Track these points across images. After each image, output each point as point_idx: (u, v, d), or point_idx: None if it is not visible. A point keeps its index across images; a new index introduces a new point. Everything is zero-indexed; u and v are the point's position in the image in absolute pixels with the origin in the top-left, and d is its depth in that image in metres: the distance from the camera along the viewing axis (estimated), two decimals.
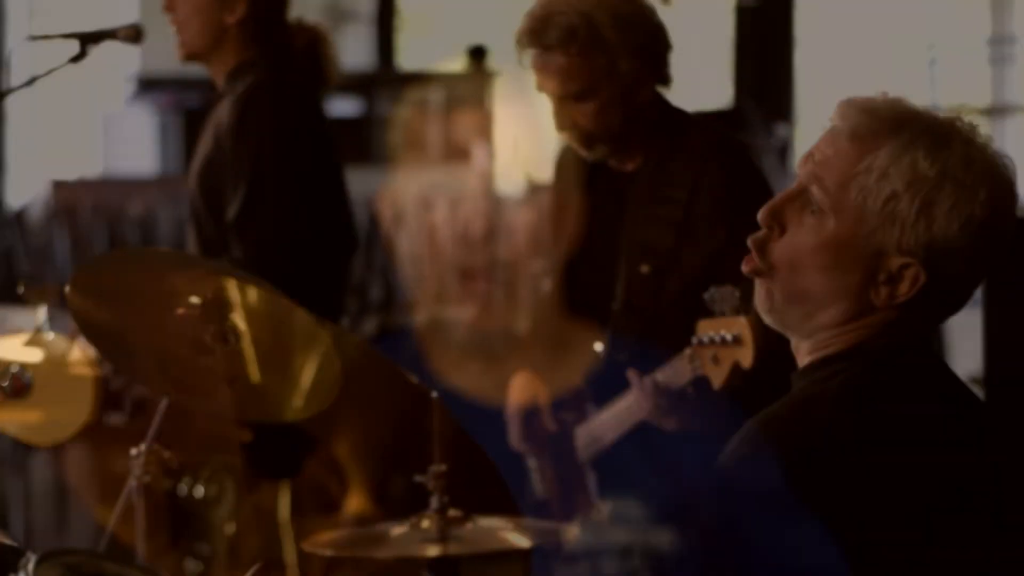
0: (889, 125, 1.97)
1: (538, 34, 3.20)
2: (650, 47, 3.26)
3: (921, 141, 1.95)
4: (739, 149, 3.35)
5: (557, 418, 3.46)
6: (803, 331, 2.03)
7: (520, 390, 3.53)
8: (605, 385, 3.28)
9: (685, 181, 3.22)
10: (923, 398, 1.97)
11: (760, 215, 2.03)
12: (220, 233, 3.64)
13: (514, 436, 3.51)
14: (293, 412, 2.44)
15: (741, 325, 2.81)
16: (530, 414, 3.51)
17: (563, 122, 3.25)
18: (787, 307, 2.02)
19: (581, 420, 3.40)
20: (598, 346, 3.31)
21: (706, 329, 2.85)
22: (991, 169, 1.96)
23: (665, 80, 3.30)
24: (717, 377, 2.88)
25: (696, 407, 2.97)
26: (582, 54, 3.18)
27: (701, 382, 2.93)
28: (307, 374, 2.45)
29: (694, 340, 2.89)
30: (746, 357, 2.81)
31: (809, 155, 2.03)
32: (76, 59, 3.72)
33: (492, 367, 3.81)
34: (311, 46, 3.87)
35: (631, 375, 3.04)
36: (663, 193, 3.24)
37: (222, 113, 3.72)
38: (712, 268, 3.01)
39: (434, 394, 2.55)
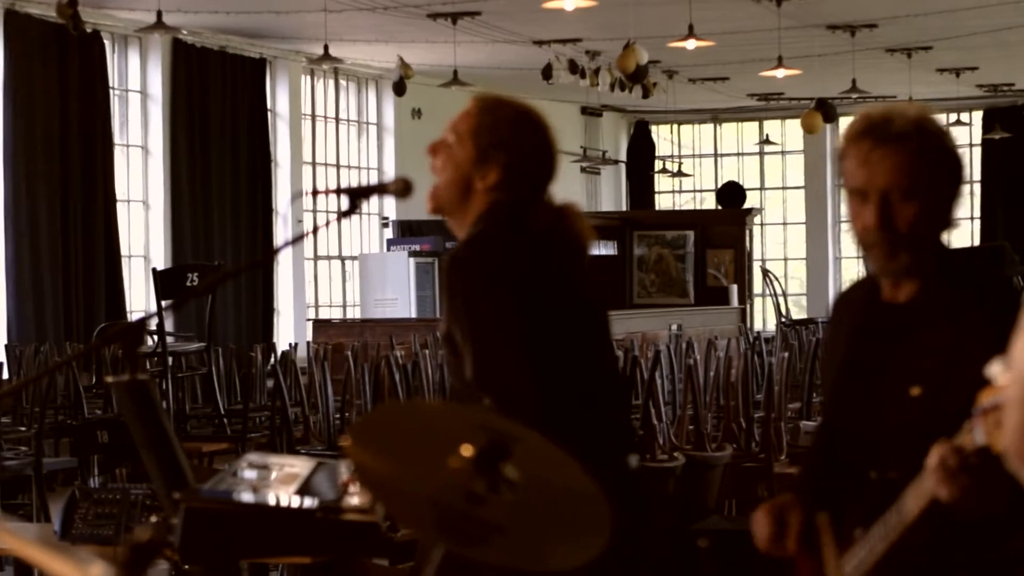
0: None
1: (878, 127, 3.28)
2: (959, 174, 3.36)
3: None
4: (1006, 282, 3.40)
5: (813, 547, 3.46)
6: None
7: (778, 503, 3.55)
8: (875, 507, 3.29)
9: (956, 310, 3.27)
10: None
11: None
12: (469, 388, 3.72)
13: (760, 536, 3.50)
14: (563, 562, 2.47)
15: None
16: (779, 523, 3.50)
17: (885, 220, 3.27)
18: None
19: (845, 552, 3.38)
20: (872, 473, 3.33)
21: (987, 396, 2.74)
22: None
23: (953, 220, 3.39)
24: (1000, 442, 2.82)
25: (984, 480, 2.90)
26: (918, 152, 3.27)
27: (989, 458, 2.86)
28: (578, 524, 2.48)
29: (975, 411, 2.82)
30: None
31: None
32: (346, 214, 3.86)
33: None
34: (558, 221, 3.92)
35: (937, 443, 3.00)
36: (935, 320, 3.28)
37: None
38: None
39: (702, 543, 2.55)
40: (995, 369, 2.58)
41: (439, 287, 4.00)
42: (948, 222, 3.38)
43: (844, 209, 3.43)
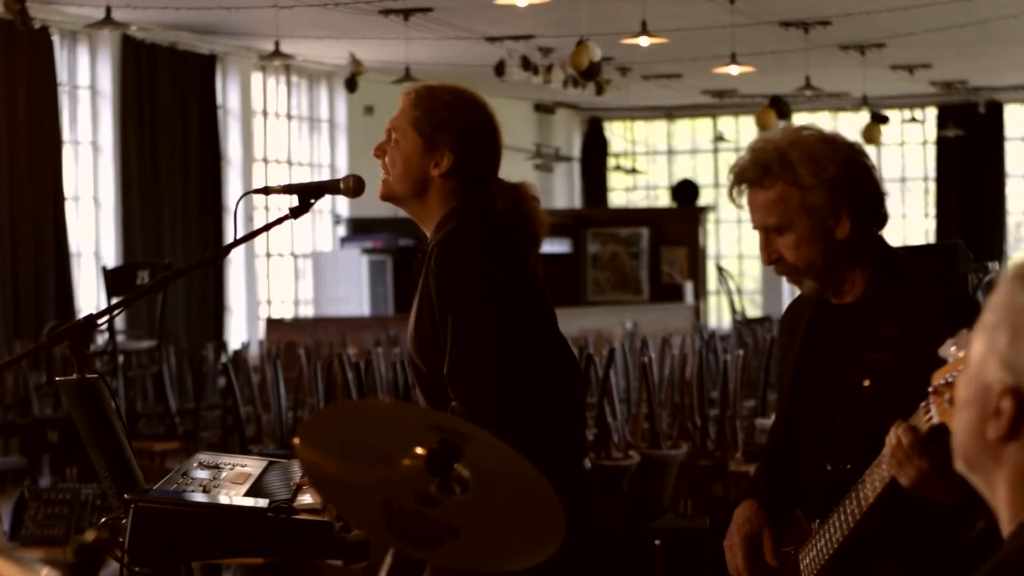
0: None
1: (744, 171, 3.47)
2: (845, 183, 3.41)
3: None
4: (952, 279, 3.51)
5: (780, 552, 3.50)
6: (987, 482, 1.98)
7: (745, 521, 3.60)
8: (830, 498, 3.36)
9: (902, 306, 3.36)
10: None
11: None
12: (440, 385, 3.70)
13: (734, 565, 3.56)
14: (517, 563, 2.43)
15: None
16: (754, 546, 3.57)
17: (769, 255, 3.47)
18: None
19: (802, 546, 3.42)
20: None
21: (940, 375, 2.76)
22: None
23: (875, 220, 3.46)
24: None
25: (941, 461, 2.89)
26: (777, 188, 3.41)
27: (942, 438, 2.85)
28: (531, 524, 2.45)
29: (929, 390, 2.83)
30: None
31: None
32: (297, 212, 3.82)
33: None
34: (515, 204, 3.90)
35: (895, 424, 3.03)
36: (882, 316, 3.37)
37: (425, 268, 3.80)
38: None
39: (657, 542, 2.53)
40: (949, 348, 2.60)
41: (430, 276, 3.96)
42: (869, 222, 3.45)
43: None
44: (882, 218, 3.48)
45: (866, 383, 3.34)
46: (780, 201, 3.41)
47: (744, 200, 3.50)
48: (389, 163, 3.91)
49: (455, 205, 3.86)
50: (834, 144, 3.45)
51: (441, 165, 3.86)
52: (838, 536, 3.29)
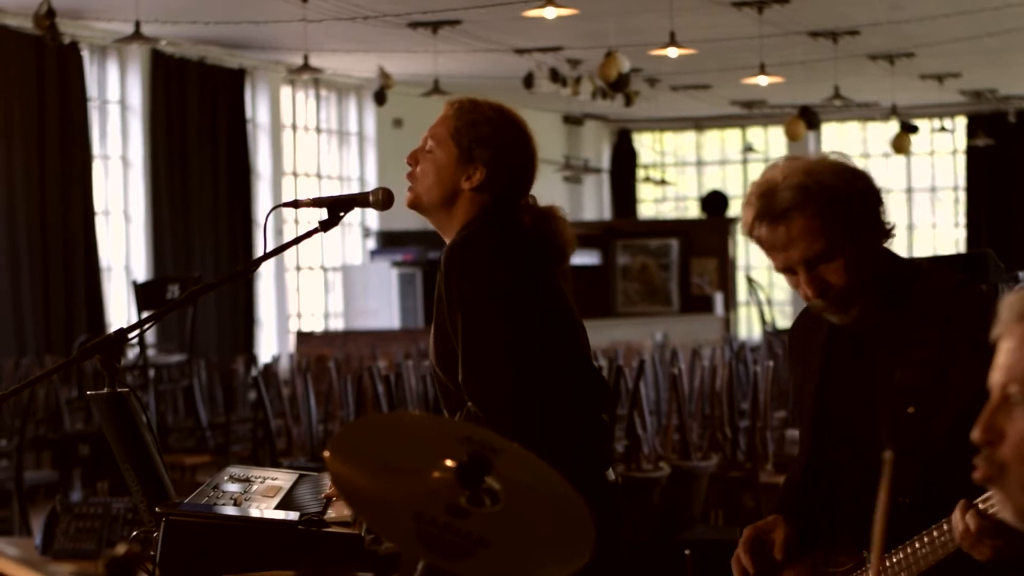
0: None
1: (769, 205, 3.25)
2: (866, 201, 3.29)
3: None
4: (978, 287, 3.36)
5: (826, 572, 3.42)
6: None
7: (753, 528, 3.51)
8: (888, 531, 3.24)
9: (933, 324, 3.23)
10: None
11: (976, 437, 2.02)
12: (461, 394, 3.70)
13: (739, 572, 3.47)
14: (547, 574, 2.43)
15: None
16: (758, 553, 3.47)
17: (816, 289, 3.27)
18: None
19: (856, 569, 3.36)
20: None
21: None
22: None
23: (889, 232, 3.34)
24: None
25: (1016, 535, 2.89)
26: (819, 212, 3.22)
27: None
28: (561, 536, 2.45)
29: None
30: None
31: (995, 366, 2.03)
32: (326, 225, 3.82)
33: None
34: (542, 221, 3.89)
35: (960, 505, 2.98)
36: (912, 337, 3.25)
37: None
38: (979, 403, 2.97)
39: (687, 552, 2.52)
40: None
41: (440, 281, 3.96)
42: (881, 240, 3.33)
43: None
44: (889, 229, 3.34)
45: (911, 410, 3.23)
46: (826, 223, 3.23)
47: (764, 239, 3.28)
48: (420, 172, 3.91)
49: (474, 216, 3.86)
50: (842, 170, 3.30)
51: (473, 179, 3.86)
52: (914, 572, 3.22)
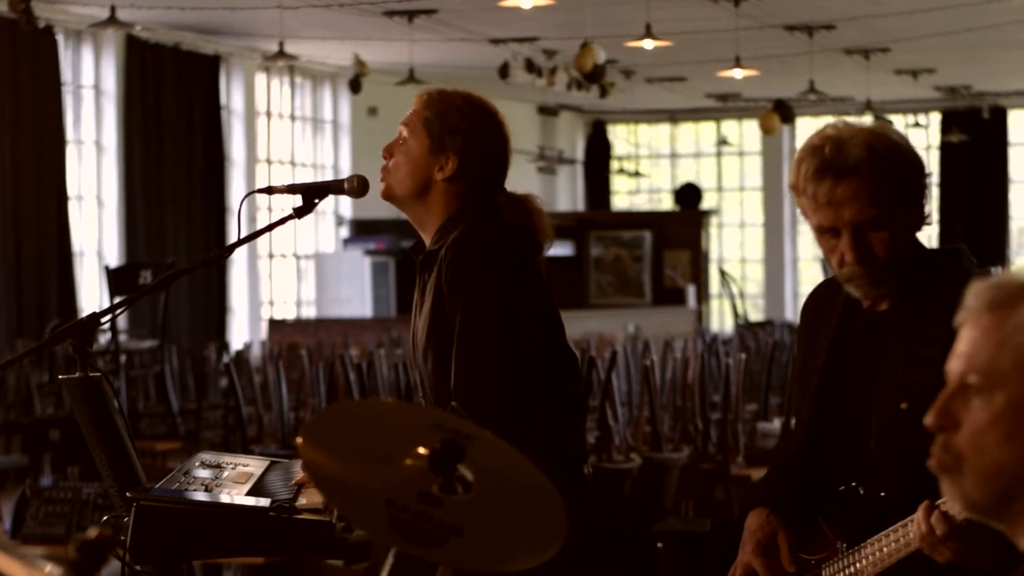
0: (1022, 287, 1.96)
1: (832, 162, 3.17)
2: (919, 183, 3.26)
3: None
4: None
5: (799, 559, 3.42)
6: (1010, 519, 1.97)
7: (758, 529, 3.49)
8: (862, 522, 3.26)
9: (942, 321, 3.19)
10: None
11: (930, 423, 2.02)
12: (445, 388, 3.70)
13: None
14: (520, 563, 2.43)
15: None
16: (769, 553, 3.46)
17: (857, 255, 3.21)
18: (984, 493, 1.96)
19: (829, 560, 3.36)
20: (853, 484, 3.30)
21: None
22: None
23: (926, 219, 3.31)
24: None
25: (977, 540, 2.89)
26: (877, 178, 3.17)
27: None
28: (534, 525, 2.45)
29: None
30: None
31: (955, 353, 2.03)
32: (301, 212, 3.81)
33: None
34: (522, 215, 3.89)
35: (923, 506, 2.98)
36: (921, 333, 3.22)
37: (434, 268, 3.79)
38: None
39: (659, 545, 2.52)
40: None
41: (440, 275, 3.94)
42: (921, 225, 3.29)
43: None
44: (927, 219, 3.31)
45: (904, 406, 3.21)
46: (881, 191, 3.16)
47: (820, 193, 3.18)
48: (393, 164, 3.90)
49: (457, 209, 3.85)
50: (903, 141, 3.27)
51: (446, 169, 3.86)
52: (869, 571, 3.22)
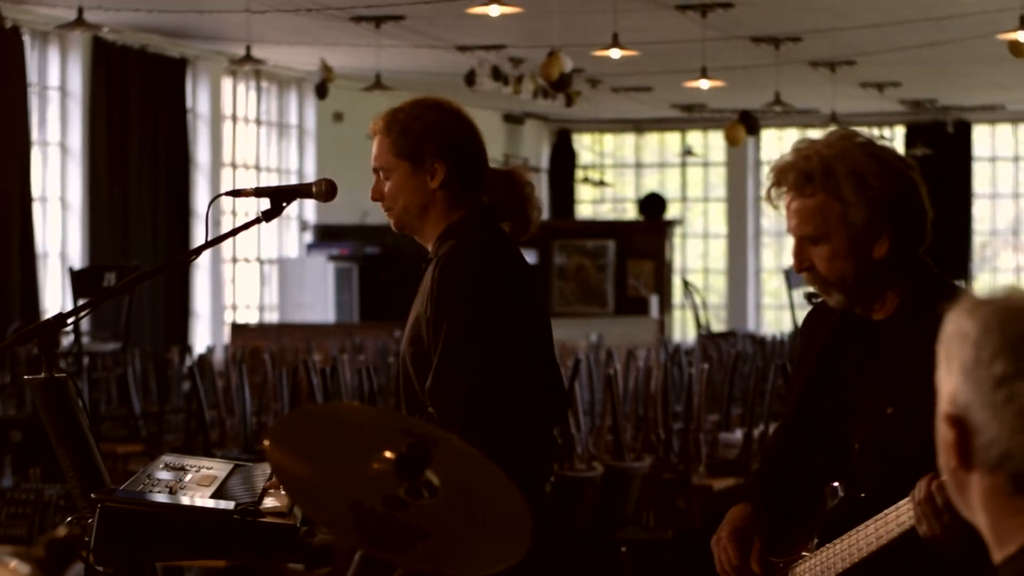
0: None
1: (784, 174, 3.38)
2: (888, 203, 3.33)
3: None
4: None
5: (767, 561, 3.45)
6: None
7: (737, 518, 3.53)
8: (841, 522, 3.29)
9: (934, 334, 3.22)
10: None
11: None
12: (423, 392, 3.72)
13: (725, 559, 3.49)
14: (485, 568, 2.45)
15: None
16: (742, 547, 3.50)
17: (801, 263, 3.39)
18: None
19: (794, 563, 3.38)
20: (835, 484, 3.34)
21: None
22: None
23: (917, 240, 3.39)
24: None
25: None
26: (818, 199, 3.33)
27: None
28: (499, 530, 2.46)
29: None
30: None
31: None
32: (269, 215, 3.81)
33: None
34: (510, 191, 3.93)
35: (924, 478, 3.00)
36: (912, 342, 3.28)
37: (427, 278, 3.81)
38: None
39: (623, 549, 2.54)
40: None
41: (430, 285, 3.97)
42: (910, 242, 3.37)
43: (765, 222, 3.47)
44: (925, 237, 3.41)
45: (889, 411, 3.27)
46: (819, 212, 3.33)
47: (782, 203, 3.41)
48: (390, 199, 3.91)
49: (456, 218, 3.87)
50: (882, 160, 3.37)
51: (436, 176, 3.87)
52: (839, 567, 3.25)
